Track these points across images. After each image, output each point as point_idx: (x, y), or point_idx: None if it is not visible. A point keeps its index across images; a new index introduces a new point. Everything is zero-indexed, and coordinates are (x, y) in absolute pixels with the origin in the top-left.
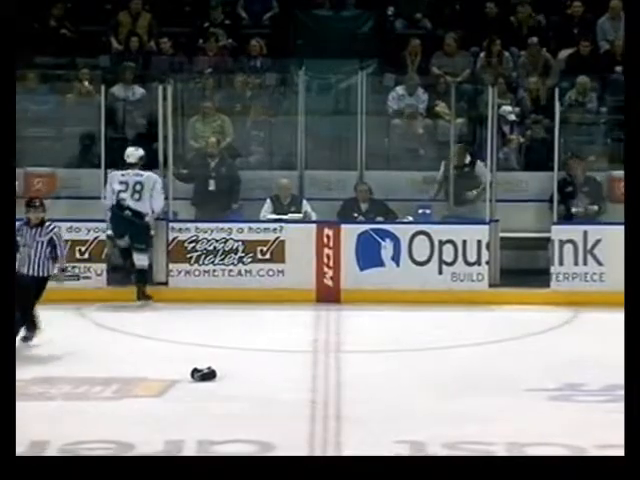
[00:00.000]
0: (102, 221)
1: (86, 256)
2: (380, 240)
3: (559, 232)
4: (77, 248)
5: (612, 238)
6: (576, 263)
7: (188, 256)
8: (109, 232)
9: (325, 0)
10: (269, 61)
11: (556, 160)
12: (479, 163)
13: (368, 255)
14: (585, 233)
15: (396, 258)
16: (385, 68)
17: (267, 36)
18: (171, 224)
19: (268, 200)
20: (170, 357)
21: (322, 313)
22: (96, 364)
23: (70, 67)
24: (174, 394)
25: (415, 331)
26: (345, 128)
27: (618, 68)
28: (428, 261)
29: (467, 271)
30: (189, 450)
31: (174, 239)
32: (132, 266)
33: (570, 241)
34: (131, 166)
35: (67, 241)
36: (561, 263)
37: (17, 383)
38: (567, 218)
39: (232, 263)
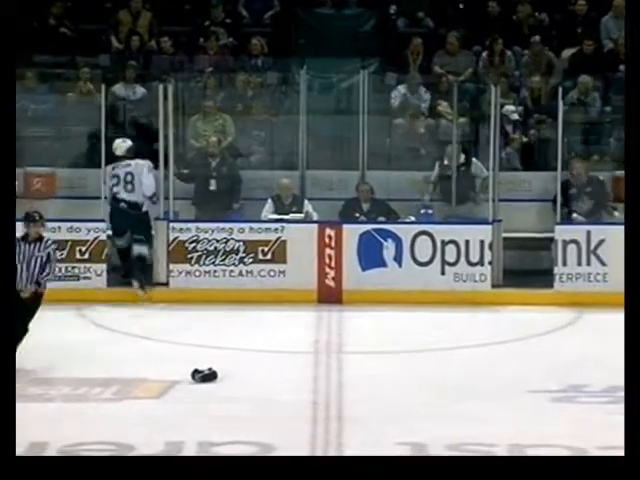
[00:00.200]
0: (102, 221)
1: (86, 256)
2: (382, 240)
3: (562, 232)
4: (77, 248)
5: (615, 238)
6: (579, 263)
7: (189, 256)
8: (109, 232)
9: None
10: (270, 60)
11: (559, 160)
12: (474, 161)
13: (370, 255)
14: (588, 233)
15: (398, 258)
16: (387, 67)
17: (268, 35)
18: (172, 224)
19: (269, 200)
20: (170, 358)
21: (324, 314)
22: (96, 365)
23: (70, 66)
24: (174, 395)
25: (417, 332)
26: (347, 127)
27: (622, 67)
28: (430, 261)
29: (470, 271)
30: (189, 451)
31: (175, 239)
32: (131, 268)
33: (573, 241)
34: (120, 159)
35: (67, 241)
36: (564, 263)
37: (16, 384)
38: (570, 220)
39: (233, 263)
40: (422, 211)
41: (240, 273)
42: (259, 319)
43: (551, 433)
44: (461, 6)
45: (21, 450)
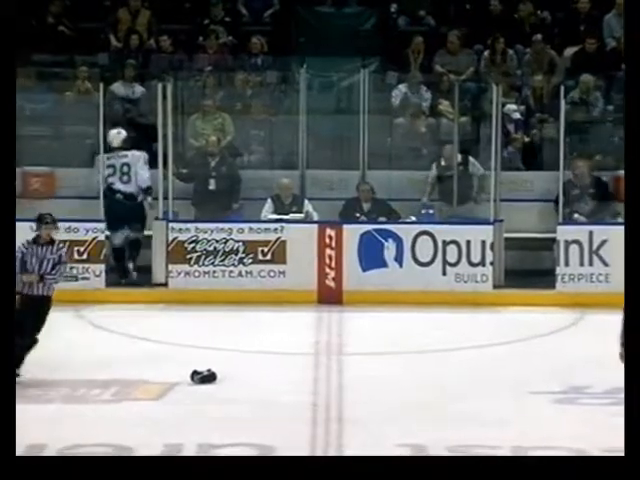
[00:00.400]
0: (101, 221)
1: (84, 257)
2: (383, 240)
3: (564, 232)
4: (75, 248)
5: (618, 239)
6: (582, 264)
7: (188, 257)
8: (107, 232)
9: None
10: (270, 59)
11: (561, 159)
12: (471, 160)
13: (370, 256)
14: (590, 233)
15: (399, 259)
16: (388, 66)
17: (268, 33)
18: (171, 224)
19: (269, 200)
20: (169, 359)
21: (324, 315)
22: (95, 366)
23: (68, 65)
24: (173, 397)
25: (418, 333)
26: (347, 127)
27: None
28: (431, 262)
29: (471, 272)
30: (189, 453)
31: (174, 239)
32: (126, 271)
33: (575, 241)
34: (116, 150)
35: (65, 241)
36: (567, 264)
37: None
38: (572, 220)
39: (232, 264)
40: (423, 211)
41: (240, 273)
42: (259, 320)
43: (553, 435)
44: (462, 4)
45: (20, 451)
